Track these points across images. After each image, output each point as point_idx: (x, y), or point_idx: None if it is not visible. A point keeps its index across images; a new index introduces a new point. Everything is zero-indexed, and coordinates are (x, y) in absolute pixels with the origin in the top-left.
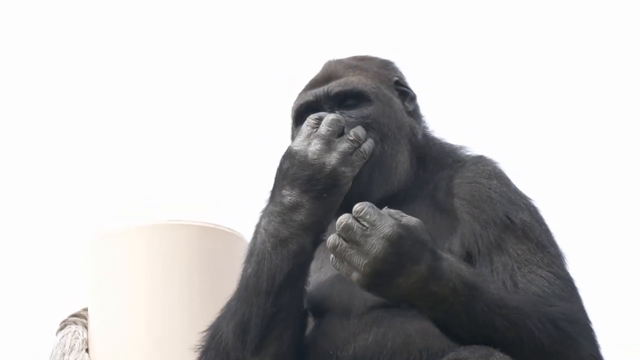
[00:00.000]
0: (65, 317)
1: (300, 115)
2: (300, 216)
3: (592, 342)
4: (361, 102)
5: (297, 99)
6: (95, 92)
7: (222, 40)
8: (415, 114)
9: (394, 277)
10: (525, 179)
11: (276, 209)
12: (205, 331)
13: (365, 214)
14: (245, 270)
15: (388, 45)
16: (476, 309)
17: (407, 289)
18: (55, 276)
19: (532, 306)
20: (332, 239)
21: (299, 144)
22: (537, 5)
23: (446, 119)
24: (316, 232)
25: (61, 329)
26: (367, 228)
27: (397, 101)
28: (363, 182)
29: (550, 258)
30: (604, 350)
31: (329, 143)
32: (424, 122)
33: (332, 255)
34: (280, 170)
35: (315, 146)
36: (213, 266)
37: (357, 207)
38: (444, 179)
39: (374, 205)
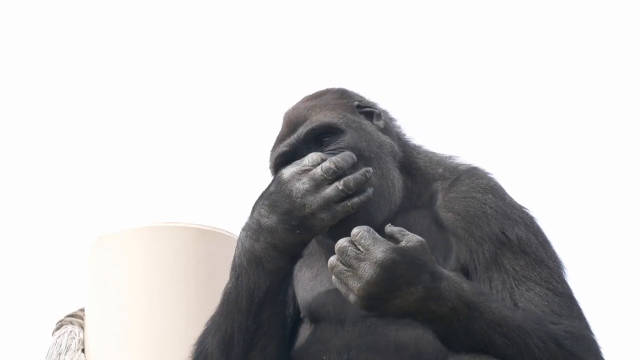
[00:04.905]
0: (61, 317)
1: (279, 168)
2: (274, 240)
3: (598, 357)
4: (334, 135)
5: (271, 155)
6: (94, 95)
7: (219, 53)
8: (388, 129)
9: (390, 299)
10: (514, 182)
11: (253, 225)
12: (194, 345)
13: (361, 238)
14: (227, 283)
15: (370, 57)
16: (475, 328)
17: (406, 308)
18: (52, 276)
19: (534, 325)
20: (331, 260)
21: (291, 174)
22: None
23: (430, 123)
24: (291, 255)
25: (57, 328)
26: (361, 252)
27: (366, 123)
28: (367, 207)
29: (548, 272)
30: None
31: (318, 187)
32: (401, 132)
33: (333, 276)
34: (267, 188)
35: (303, 185)
36: (210, 268)
37: (354, 230)
38: (439, 191)
39: (371, 229)
